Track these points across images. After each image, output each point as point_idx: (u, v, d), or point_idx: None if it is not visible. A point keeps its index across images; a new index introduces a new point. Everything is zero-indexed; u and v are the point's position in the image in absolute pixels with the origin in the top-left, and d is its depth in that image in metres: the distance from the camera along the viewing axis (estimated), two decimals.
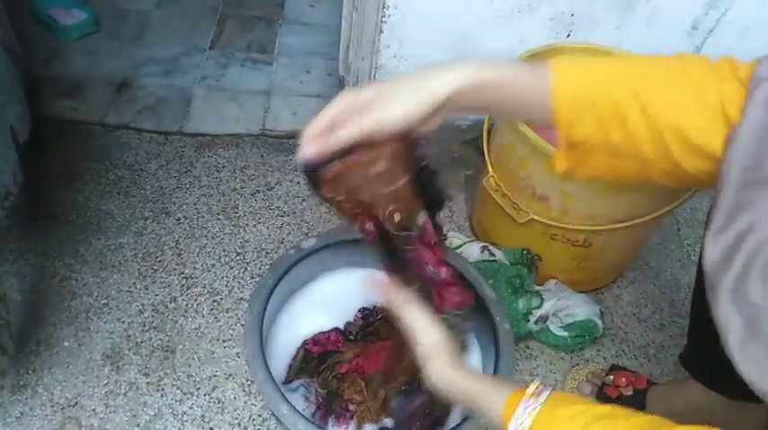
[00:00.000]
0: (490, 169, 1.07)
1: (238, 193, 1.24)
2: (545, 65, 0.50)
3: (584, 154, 0.52)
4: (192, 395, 0.92)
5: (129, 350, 0.96)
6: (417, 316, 0.63)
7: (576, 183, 0.93)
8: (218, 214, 1.19)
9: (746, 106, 0.46)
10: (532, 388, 0.52)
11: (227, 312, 1.03)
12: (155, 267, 1.08)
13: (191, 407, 0.91)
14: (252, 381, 0.94)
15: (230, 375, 0.95)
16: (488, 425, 0.59)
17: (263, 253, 1.13)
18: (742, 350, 0.42)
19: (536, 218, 1.00)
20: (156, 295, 1.04)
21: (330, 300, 0.98)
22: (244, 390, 0.94)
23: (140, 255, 1.10)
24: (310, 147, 0.51)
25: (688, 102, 0.48)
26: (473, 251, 1.09)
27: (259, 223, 1.19)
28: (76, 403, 0.89)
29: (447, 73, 0.50)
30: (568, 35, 1.24)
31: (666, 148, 0.48)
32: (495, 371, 0.81)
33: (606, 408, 0.48)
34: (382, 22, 1.18)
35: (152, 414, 0.89)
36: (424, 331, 0.62)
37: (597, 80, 0.50)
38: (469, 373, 0.60)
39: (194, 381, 0.94)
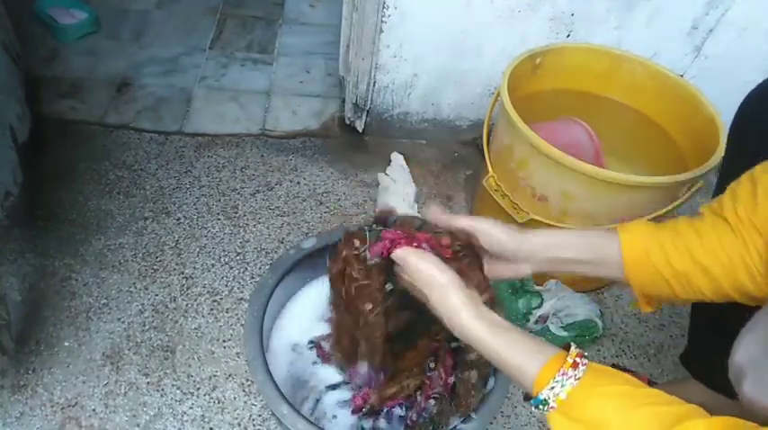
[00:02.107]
0: (490, 169, 1.07)
1: (238, 193, 1.24)
2: (612, 235, 0.61)
3: (665, 300, 0.62)
4: (192, 395, 0.92)
5: (129, 350, 0.96)
6: (423, 262, 0.61)
7: (580, 189, 0.93)
8: (218, 214, 1.19)
9: None
10: (570, 358, 0.49)
11: (227, 312, 1.03)
12: (155, 267, 1.08)
13: (191, 407, 0.91)
14: (252, 381, 0.94)
15: (230, 375, 0.95)
16: (514, 383, 0.57)
17: (263, 253, 1.13)
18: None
19: (536, 218, 1.00)
20: (156, 295, 1.04)
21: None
22: (244, 390, 0.94)
23: (140, 254, 1.10)
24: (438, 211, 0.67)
25: (736, 257, 0.55)
26: None
27: (259, 223, 1.19)
28: (76, 403, 0.89)
29: (537, 234, 0.63)
30: (568, 35, 1.24)
31: (728, 296, 0.57)
32: (495, 372, 0.81)
33: (650, 391, 0.46)
34: (382, 22, 1.18)
35: (152, 414, 0.89)
36: (438, 271, 0.60)
37: (658, 246, 0.59)
38: (496, 325, 0.56)
39: (194, 381, 0.94)
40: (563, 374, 0.48)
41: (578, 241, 0.62)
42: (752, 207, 0.53)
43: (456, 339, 0.80)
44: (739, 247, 0.54)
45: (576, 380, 0.47)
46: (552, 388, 0.48)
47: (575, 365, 0.48)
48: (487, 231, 0.63)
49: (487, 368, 0.78)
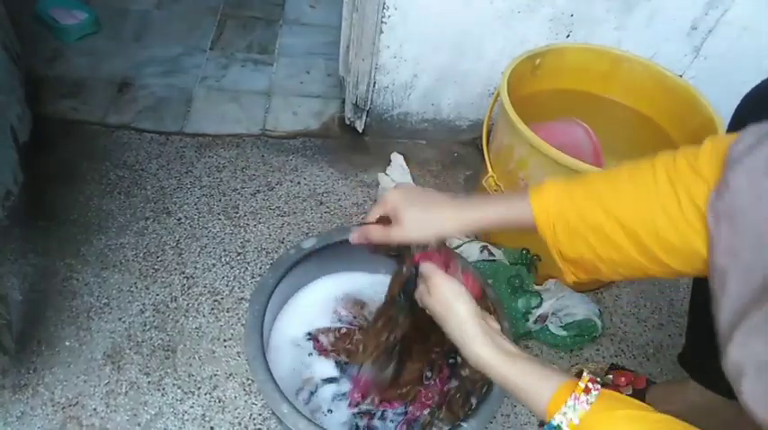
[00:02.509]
0: (490, 169, 1.07)
1: (239, 193, 1.24)
2: (526, 195, 0.61)
3: (587, 267, 0.60)
4: (193, 394, 0.92)
5: (129, 349, 0.97)
6: (448, 285, 0.63)
7: None
8: (218, 214, 1.19)
9: (722, 194, 0.47)
10: (583, 383, 0.50)
11: (227, 312, 1.03)
12: (156, 267, 1.09)
13: (191, 407, 0.91)
14: (252, 381, 0.95)
15: (231, 374, 0.95)
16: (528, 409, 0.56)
17: (264, 253, 1.13)
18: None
19: None
20: (157, 295, 1.04)
21: (330, 300, 0.98)
22: (244, 390, 0.94)
23: (141, 254, 1.10)
24: (357, 237, 0.72)
25: (659, 213, 0.52)
26: (473, 251, 1.09)
27: (259, 223, 1.19)
28: (77, 402, 0.90)
29: (459, 221, 0.65)
30: (568, 35, 1.24)
31: (655, 256, 0.53)
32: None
33: (662, 417, 0.47)
34: (382, 22, 1.18)
35: (153, 413, 0.90)
36: (459, 296, 0.61)
37: (568, 205, 0.58)
38: (510, 355, 0.57)
39: (195, 381, 0.94)
40: (575, 399, 0.49)
41: (494, 217, 0.64)
42: (693, 155, 0.51)
43: (453, 353, 0.82)
44: (660, 196, 0.52)
45: (588, 404, 0.48)
46: (565, 413, 0.48)
47: (587, 390, 0.49)
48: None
49: (479, 382, 0.79)
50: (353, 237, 0.72)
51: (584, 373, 0.51)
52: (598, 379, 0.51)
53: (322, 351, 0.90)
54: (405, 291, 0.72)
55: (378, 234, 0.69)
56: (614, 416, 0.47)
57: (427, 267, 0.65)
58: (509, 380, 0.55)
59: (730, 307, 0.45)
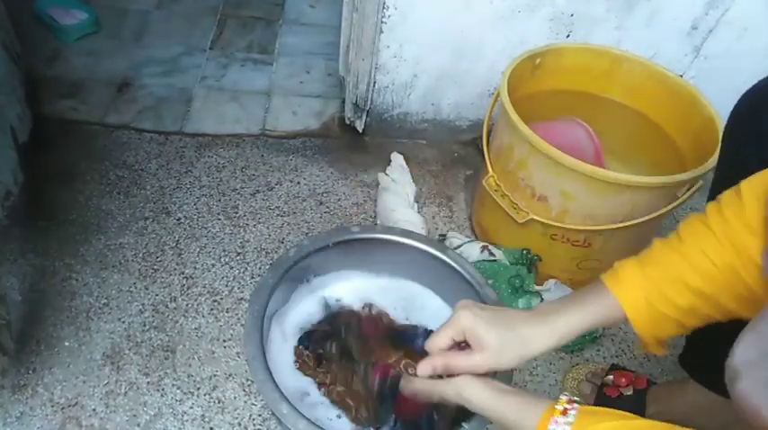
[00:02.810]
0: (490, 169, 1.07)
1: (238, 193, 1.24)
2: (607, 293, 0.59)
3: (673, 337, 0.61)
4: (193, 395, 0.92)
5: (129, 350, 0.96)
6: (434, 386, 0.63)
7: (580, 189, 0.93)
8: (218, 214, 1.19)
9: None
10: (560, 406, 0.51)
11: (227, 312, 1.03)
12: (155, 267, 1.08)
13: (191, 407, 0.91)
14: (252, 381, 0.94)
15: (230, 375, 0.95)
16: None
17: (263, 253, 1.13)
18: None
19: (536, 218, 1.00)
20: (157, 295, 1.04)
21: (330, 300, 0.98)
22: (244, 390, 0.94)
23: (141, 254, 1.10)
24: (428, 368, 0.63)
25: (735, 276, 0.53)
26: (473, 251, 1.09)
27: (259, 223, 1.19)
28: (77, 403, 0.90)
29: (546, 337, 0.59)
30: (568, 35, 1.24)
31: (739, 314, 0.54)
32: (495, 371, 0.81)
33: (643, 423, 0.47)
34: (382, 22, 1.18)
35: (152, 414, 0.90)
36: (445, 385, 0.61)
37: (657, 292, 0.57)
38: (501, 391, 0.58)
39: (194, 381, 0.94)
40: (555, 423, 0.50)
41: (584, 324, 0.60)
42: (739, 207, 0.52)
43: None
44: (725, 254, 0.53)
45: (568, 425, 0.49)
46: None
47: (564, 412, 0.50)
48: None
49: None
50: (424, 368, 0.63)
51: (561, 396, 0.52)
52: (576, 399, 0.52)
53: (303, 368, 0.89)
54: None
55: (461, 363, 0.61)
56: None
57: (408, 389, 0.66)
58: (502, 417, 0.56)
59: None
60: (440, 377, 0.65)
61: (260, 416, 0.91)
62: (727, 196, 0.54)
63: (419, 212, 1.22)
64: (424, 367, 0.63)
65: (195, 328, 1.01)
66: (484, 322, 0.60)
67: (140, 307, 1.02)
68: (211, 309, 1.03)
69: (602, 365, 1.02)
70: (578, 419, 0.50)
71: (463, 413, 0.77)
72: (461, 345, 0.63)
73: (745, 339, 0.43)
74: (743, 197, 0.52)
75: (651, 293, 0.57)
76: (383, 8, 1.15)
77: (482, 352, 0.59)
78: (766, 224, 0.49)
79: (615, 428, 0.47)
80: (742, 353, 0.43)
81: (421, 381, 0.64)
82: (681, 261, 0.56)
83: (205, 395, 0.93)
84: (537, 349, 0.59)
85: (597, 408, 0.52)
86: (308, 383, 0.86)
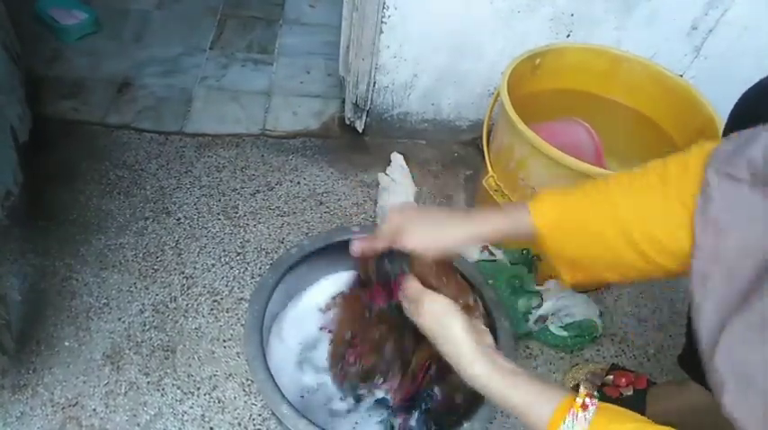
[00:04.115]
0: (490, 169, 1.07)
1: (238, 193, 1.24)
2: (525, 207, 0.62)
3: (585, 268, 0.61)
4: (193, 395, 0.92)
5: (129, 350, 0.97)
6: (439, 304, 0.63)
7: None
8: (218, 214, 1.19)
9: (707, 202, 0.49)
10: (580, 399, 0.49)
11: (227, 312, 1.03)
12: (155, 267, 1.08)
13: (191, 407, 0.91)
14: (252, 381, 0.94)
15: (230, 375, 0.95)
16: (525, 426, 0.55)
17: (263, 253, 1.13)
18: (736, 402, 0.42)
19: None
20: (157, 295, 1.04)
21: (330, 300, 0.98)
22: (244, 390, 0.94)
23: (141, 254, 1.10)
24: (356, 244, 0.71)
25: (652, 214, 0.54)
26: (473, 251, 1.09)
27: (259, 223, 1.19)
28: (77, 403, 0.90)
29: (463, 231, 0.66)
30: (568, 35, 1.24)
31: (650, 257, 0.54)
32: None
33: (661, 428, 0.46)
34: (382, 22, 1.18)
35: (152, 413, 0.90)
36: (451, 319, 0.61)
37: (565, 210, 0.60)
38: (508, 373, 0.56)
39: (194, 381, 0.94)
40: (573, 416, 0.48)
41: (497, 227, 0.65)
42: (683, 157, 0.53)
43: None
44: (652, 197, 0.54)
45: (586, 421, 0.48)
46: None
47: (584, 407, 0.49)
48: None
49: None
50: (355, 246, 0.71)
51: (581, 388, 0.51)
52: (595, 393, 0.52)
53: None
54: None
55: (384, 240, 0.68)
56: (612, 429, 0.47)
57: (413, 288, 0.66)
58: (508, 400, 0.54)
59: (713, 313, 0.46)
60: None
61: (260, 416, 0.91)
62: (675, 154, 0.55)
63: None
64: (354, 246, 0.71)
65: (195, 328, 1.01)
66: (409, 218, 0.67)
67: (140, 307, 1.02)
68: (211, 309, 1.03)
69: (602, 365, 1.02)
70: (597, 415, 0.48)
71: (462, 391, 0.77)
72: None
73: (720, 350, 0.43)
74: (690, 151, 0.53)
75: (561, 208, 0.60)
76: (383, 8, 1.15)
77: (408, 234, 0.66)
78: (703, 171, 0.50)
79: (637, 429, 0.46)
80: (724, 359, 0.43)
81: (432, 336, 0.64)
82: (601, 191, 0.58)
83: (205, 395, 0.93)
84: (453, 242, 0.66)
85: (616, 408, 0.50)
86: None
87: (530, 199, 0.63)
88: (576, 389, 0.51)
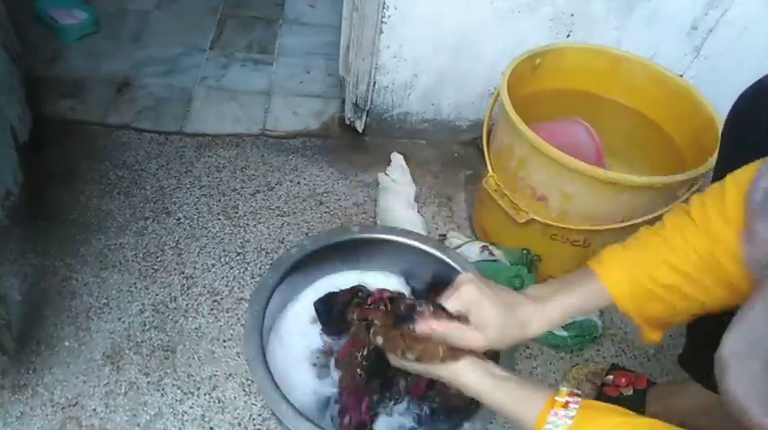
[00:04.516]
0: (490, 169, 1.07)
1: (238, 193, 1.24)
2: (595, 276, 0.59)
3: (666, 322, 0.60)
4: (193, 395, 0.92)
5: (129, 350, 0.96)
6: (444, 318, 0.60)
7: (580, 189, 0.93)
8: (218, 214, 1.19)
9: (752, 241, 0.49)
10: (561, 398, 0.50)
11: (227, 312, 1.03)
12: (155, 267, 1.08)
13: (191, 407, 0.91)
14: (252, 381, 0.94)
15: (230, 375, 0.95)
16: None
17: (263, 253, 1.13)
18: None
19: (536, 218, 1.00)
20: (157, 295, 1.04)
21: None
22: (244, 390, 0.94)
23: (141, 254, 1.10)
24: (424, 327, 0.60)
25: (707, 250, 0.53)
26: (473, 251, 1.09)
27: (259, 223, 1.19)
28: (77, 403, 0.90)
29: (542, 320, 0.60)
30: (568, 35, 1.24)
31: (722, 296, 0.54)
32: None
33: (647, 421, 0.46)
34: (382, 22, 1.18)
35: (152, 413, 0.90)
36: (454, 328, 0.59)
37: (641, 272, 0.57)
38: (497, 378, 0.57)
39: (194, 381, 0.94)
40: (554, 415, 0.49)
41: (574, 308, 0.60)
42: (720, 197, 0.53)
43: None
44: (704, 241, 0.53)
45: (569, 419, 0.48)
46: (548, 429, 0.49)
47: (566, 405, 0.49)
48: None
49: None
50: (422, 327, 0.61)
51: (562, 387, 0.51)
52: (578, 391, 0.51)
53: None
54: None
55: (459, 335, 0.59)
56: (595, 425, 0.48)
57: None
58: (501, 406, 0.55)
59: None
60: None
61: (260, 416, 0.91)
62: (712, 187, 0.55)
63: (419, 212, 1.22)
64: (422, 326, 0.61)
65: (195, 328, 1.01)
66: (489, 300, 0.58)
67: (140, 307, 1.02)
68: (211, 309, 1.03)
69: (602, 365, 1.02)
70: (579, 413, 0.49)
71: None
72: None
73: (734, 330, 0.43)
74: (726, 188, 0.53)
75: (634, 270, 0.57)
76: (383, 8, 1.15)
77: (484, 329, 0.58)
78: (745, 213, 0.49)
79: (617, 425, 0.46)
80: (731, 346, 0.43)
81: (416, 365, 0.62)
82: (663, 243, 0.57)
83: (205, 395, 0.93)
84: (532, 333, 0.60)
85: (599, 403, 0.51)
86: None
87: (595, 263, 0.60)
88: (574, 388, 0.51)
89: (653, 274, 0.56)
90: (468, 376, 0.57)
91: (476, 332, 0.58)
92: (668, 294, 0.56)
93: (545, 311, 0.60)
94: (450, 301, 0.60)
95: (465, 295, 0.59)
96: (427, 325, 0.59)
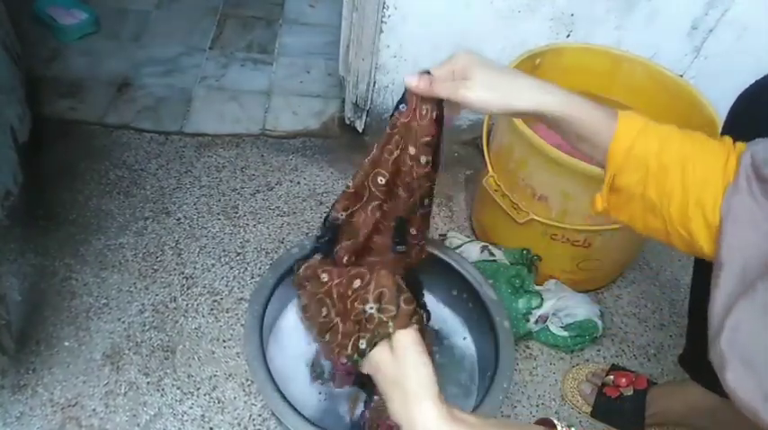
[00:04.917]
0: (490, 169, 1.07)
1: (238, 193, 1.24)
2: (615, 113, 0.55)
3: (623, 200, 0.57)
4: (192, 395, 0.92)
5: (129, 350, 0.96)
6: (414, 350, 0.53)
7: (580, 189, 0.93)
8: (218, 214, 1.19)
9: (735, 194, 0.48)
10: None
11: (227, 312, 1.03)
12: (155, 267, 1.08)
13: (191, 407, 0.91)
14: (252, 381, 0.94)
15: (230, 375, 0.95)
16: None
17: (263, 253, 1.13)
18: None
19: (536, 218, 1.00)
20: (157, 295, 1.04)
21: None
22: (244, 390, 0.94)
23: (140, 254, 1.10)
24: (415, 79, 0.62)
25: (715, 181, 0.50)
26: (473, 251, 1.09)
27: (259, 223, 1.19)
28: (77, 403, 0.89)
29: (540, 93, 0.56)
30: (568, 35, 1.24)
31: (688, 218, 0.51)
32: (495, 371, 0.81)
33: None
34: (382, 22, 1.18)
35: (152, 414, 0.90)
36: (417, 366, 0.52)
37: (655, 139, 0.54)
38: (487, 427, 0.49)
39: (194, 381, 0.94)
40: None
41: (575, 108, 0.56)
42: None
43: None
44: (717, 166, 0.51)
45: None
46: None
47: None
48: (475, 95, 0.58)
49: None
50: (413, 80, 0.62)
51: (558, 426, 0.49)
52: (571, 427, 0.49)
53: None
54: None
55: (445, 87, 0.59)
56: None
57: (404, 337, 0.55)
58: None
59: (722, 300, 0.45)
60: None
61: (260, 416, 0.91)
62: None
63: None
64: (411, 77, 0.62)
65: (195, 328, 1.00)
66: (480, 62, 0.58)
67: (140, 307, 1.02)
68: (211, 309, 1.03)
69: (602, 365, 1.02)
70: None
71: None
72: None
73: (725, 329, 0.43)
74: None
75: (650, 135, 0.55)
76: (383, 8, 1.15)
77: (468, 83, 0.57)
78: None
79: None
80: (723, 342, 0.43)
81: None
82: (686, 140, 0.55)
83: (205, 395, 0.92)
84: (523, 101, 0.56)
85: None
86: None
87: (620, 110, 0.56)
88: (551, 426, 0.49)
89: (661, 149, 0.53)
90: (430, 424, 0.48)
91: (463, 84, 0.58)
92: (654, 171, 0.53)
93: (543, 87, 0.57)
94: (446, 63, 0.60)
95: (460, 56, 0.59)
96: (414, 76, 0.62)
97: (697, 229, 0.51)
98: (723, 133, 0.71)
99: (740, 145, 0.52)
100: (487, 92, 0.57)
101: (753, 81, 0.68)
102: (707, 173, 0.51)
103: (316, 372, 0.88)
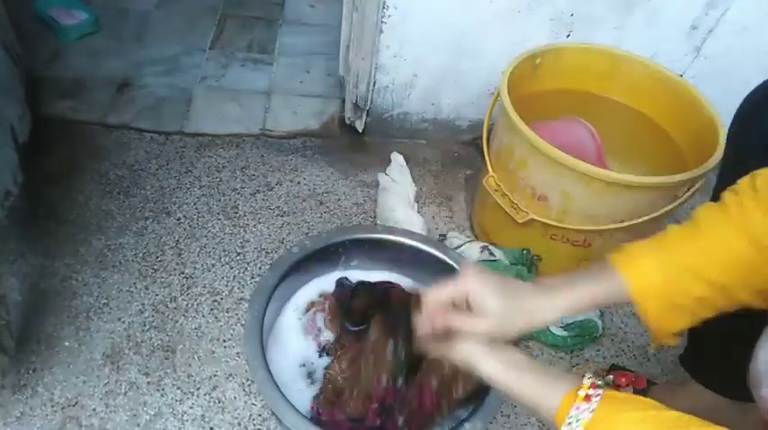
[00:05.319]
0: (490, 169, 1.07)
1: (238, 193, 1.24)
2: (612, 272, 0.56)
3: (681, 331, 0.57)
4: (193, 395, 0.92)
5: (129, 350, 0.96)
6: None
7: (580, 189, 0.93)
8: (218, 214, 1.19)
9: None
10: (583, 391, 0.48)
11: (227, 312, 1.03)
12: (155, 267, 1.08)
13: (191, 407, 0.91)
14: (252, 381, 0.94)
15: (230, 375, 0.95)
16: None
17: (263, 253, 1.13)
18: None
19: (536, 218, 1.00)
20: (157, 295, 1.04)
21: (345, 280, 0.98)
22: (244, 390, 0.94)
23: (140, 254, 1.10)
24: (427, 324, 0.61)
25: (745, 264, 0.52)
26: (473, 251, 1.09)
27: (259, 223, 1.19)
28: (77, 403, 0.90)
29: (546, 311, 0.57)
30: (568, 35, 1.24)
31: (740, 300, 0.53)
32: None
33: (675, 414, 0.45)
34: (382, 22, 1.18)
35: (152, 413, 0.90)
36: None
37: (672, 280, 0.54)
38: (517, 368, 0.55)
39: (194, 381, 0.94)
40: (576, 409, 0.48)
41: (587, 299, 0.57)
42: (756, 196, 0.51)
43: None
44: (743, 244, 0.51)
45: (590, 412, 0.47)
46: (570, 423, 0.47)
47: (587, 398, 0.48)
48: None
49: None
50: (423, 325, 0.61)
51: (585, 379, 0.50)
52: (599, 382, 0.49)
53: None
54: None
55: (461, 325, 0.58)
56: (620, 420, 0.46)
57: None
58: (520, 395, 0.54)
59: None
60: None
61: (260, 416, 0.91)
62: (743, 184, 0.53)
63: (419, 212, 1.22)
64: (423, 324, 0.61)
65: (195, 328, 1.00)
66: (491, 289, 0.57)
67: (140, 307, 1.02)
68: (211, 309, 1.03)
69: (602, 365, 1.02)
70: (601, 406, 0.47)
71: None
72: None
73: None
74: (758, 187, 0.51)
75: (668, 284, 0.54)
76: (383, 8, 1.15)
77: (485, 318, 0.57)
78: None
79: (639, 420, 0.45)
80: (766, 360, 0.42)
81: (427, 345, 0.61)
82: (699, 252, 0.54)
83: (205, 395, 0.92)
84: (539, 322, 0.58)
85: (622, 395, 0.49)
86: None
87: (618, 258, 0.56)
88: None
89: (687, 287, 0.53)
90: (484, 366, 0.56)
91: (477, 320, 0.57)
92: (698, 307, 0.54)
93: (554, 300, 0.57)
94: (451, 288, 0.59)
95: (467, 284, 0.58)
96: (427, 321, 0.60)
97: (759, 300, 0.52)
98: (730, 134, 0.70)
99: (744, 182, 0.53)
100: (507, 323, 0.57)
101: (754, 81, 0.67)
102: (734, 264, 0.52)
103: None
